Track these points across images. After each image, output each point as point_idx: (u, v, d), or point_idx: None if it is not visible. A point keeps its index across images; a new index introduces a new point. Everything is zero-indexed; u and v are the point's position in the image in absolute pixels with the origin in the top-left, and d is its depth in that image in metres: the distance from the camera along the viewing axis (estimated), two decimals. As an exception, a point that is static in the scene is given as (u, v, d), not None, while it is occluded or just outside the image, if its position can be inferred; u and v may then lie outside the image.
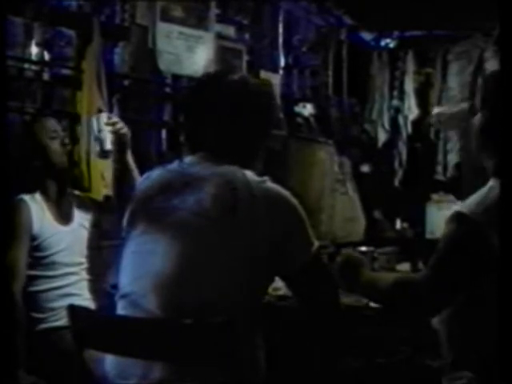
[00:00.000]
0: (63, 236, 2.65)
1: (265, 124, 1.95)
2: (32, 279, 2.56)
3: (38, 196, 2.66)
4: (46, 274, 2.60)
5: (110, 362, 1.75)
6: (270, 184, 1.81)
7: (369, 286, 1.98)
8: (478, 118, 1.93)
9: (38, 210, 2.62)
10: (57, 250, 2.61)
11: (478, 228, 1.73)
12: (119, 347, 1.71)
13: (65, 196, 2.74)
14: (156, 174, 1.92)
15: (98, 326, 1.77)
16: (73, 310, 1.80)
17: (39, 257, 2.58)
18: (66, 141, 2.77)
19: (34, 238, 2.58)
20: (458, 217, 1.79)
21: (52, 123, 2.79)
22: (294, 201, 1.81)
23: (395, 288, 1.86)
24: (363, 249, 2.95)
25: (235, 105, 1.88)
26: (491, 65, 5.48)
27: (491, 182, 1.83)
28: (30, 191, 2.67)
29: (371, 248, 2.91)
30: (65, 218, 2.70)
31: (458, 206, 1.82)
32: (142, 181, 1.95)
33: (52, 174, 2.71)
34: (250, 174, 1.80)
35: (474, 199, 1.81)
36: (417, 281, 1.83)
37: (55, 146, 2.72)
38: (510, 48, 1.73)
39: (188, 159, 1.90)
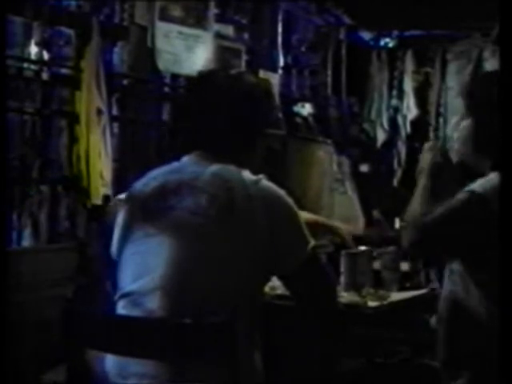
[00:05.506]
0: None
1: (261, 122, 1.94)
2: None
3: None
4: None
5: (109, 361, 1.75)
6: (266, 183, 1.81)
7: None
8: (469, 123, 1.94)
9: None
10: None
11: (487, 201, 1.75)
12: (119, 347, 1.71)
13: None
14: (153, 174, 1.91)
15: (98, 325, 1.77)
16: (72, 309, 1.80)
17: None
18: None
19: None
20: (468, 190, 1.80)
21: None
22: (289, 200, 1.81)
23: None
24: (362, 248, 2.94)
25: (230, 103, 1.87)
26: (490, 64, 5.48)
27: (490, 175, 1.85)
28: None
29: (370, 247, 2.89)
30: None
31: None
32: (139, 182, 1.93)
33: None
34: (245, 174, 1.80)
35: (479, 182, 1.82)
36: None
37: None
38: (510, 48, 1.73)
39: (185, 159, 1.90)
